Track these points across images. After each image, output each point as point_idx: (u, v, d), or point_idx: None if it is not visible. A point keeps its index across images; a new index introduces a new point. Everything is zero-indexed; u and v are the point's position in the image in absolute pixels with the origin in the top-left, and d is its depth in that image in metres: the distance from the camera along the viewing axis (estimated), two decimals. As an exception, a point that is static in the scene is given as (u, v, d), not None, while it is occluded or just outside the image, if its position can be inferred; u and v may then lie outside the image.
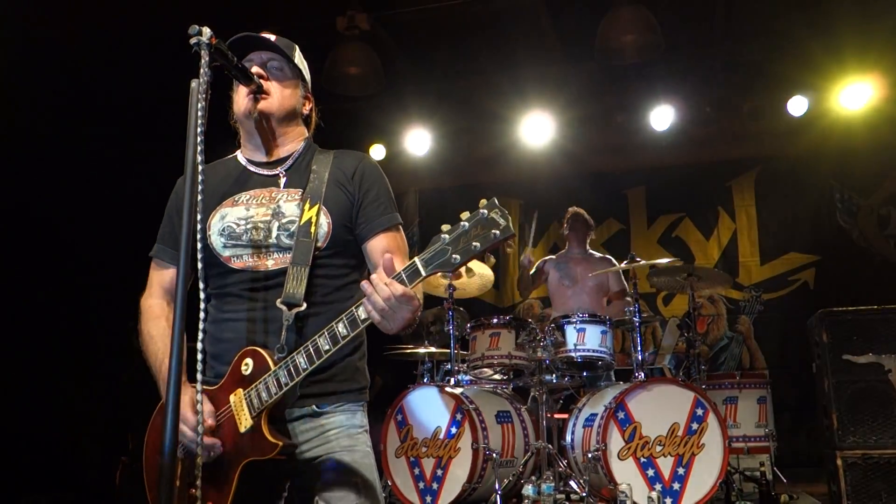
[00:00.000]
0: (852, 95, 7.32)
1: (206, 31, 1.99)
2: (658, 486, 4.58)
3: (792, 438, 7.21)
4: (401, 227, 2.20)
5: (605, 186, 8.79)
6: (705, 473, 4.64)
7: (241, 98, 2.21)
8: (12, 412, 5.55)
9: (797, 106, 7.55)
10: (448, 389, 5.13)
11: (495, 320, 5.35)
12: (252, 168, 2.24)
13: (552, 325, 5.29)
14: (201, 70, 1.96)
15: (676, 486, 4.63)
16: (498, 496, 4.84)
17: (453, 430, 4.95)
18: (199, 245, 1.88)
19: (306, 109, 2.36)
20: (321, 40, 6.88)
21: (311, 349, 1.86)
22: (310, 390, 2.05)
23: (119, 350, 6.28)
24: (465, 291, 6.13)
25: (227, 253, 2.13)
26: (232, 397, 1.96)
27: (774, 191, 8.45)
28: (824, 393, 5.06)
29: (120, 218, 6.19)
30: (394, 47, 7.37)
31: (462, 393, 5.09)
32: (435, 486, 4.93)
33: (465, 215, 1.72)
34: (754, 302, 8.30)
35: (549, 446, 5.10)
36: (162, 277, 2.28)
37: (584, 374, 5.45)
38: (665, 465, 4.66)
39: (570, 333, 5.22)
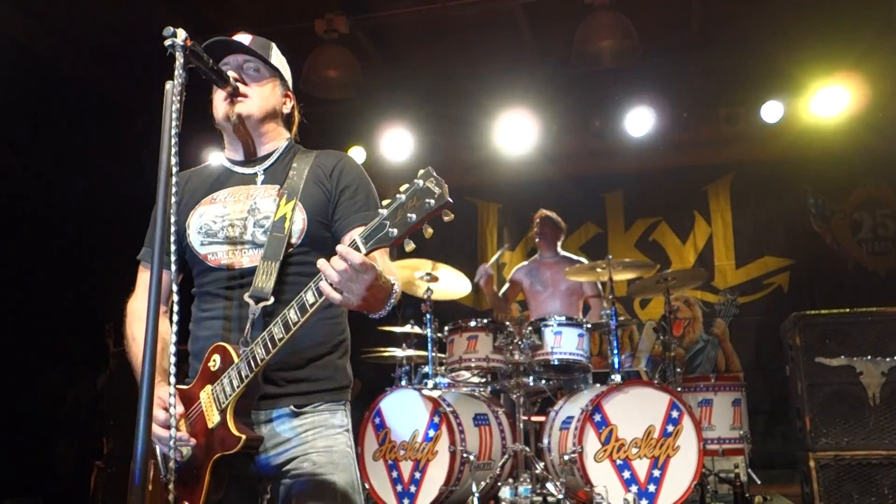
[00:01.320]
0: (825, 102, 7.40)
1: (181, 33, 1.99)
2: (634, 488, 4.61)
3: (766, 440, 7.29)
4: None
5: (583, 190, 8.85)
6: (680, 475, 4.67)
7: (219, 102, 2.22)
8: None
9: (772, 112, 7.62)
10: (426, 392, 5.14)
11: (473, 323, 5.37)
12: (232, 167, 2.25)
13: (529, 327, 5.31)
14: (176, 72, 1.96)
15: (652, 487, 4.66)
16: (475, 499, 4.85)
17: (431, 432, 4.96)
18: (173, 247, 1.88)
19: (287, 108, 2.36)
20: (299, 43, 6.86)
21: (267, 338, 1.85)
22: (287, 390, 2.03)
23: (95, 353, 6.25)
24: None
25: (204, 251, 2.13)
26: (202, 394, 1.95)
27: (750, 195, 8.55)
28: (797, 395, 5.11)
29: (98, 221, 6.16)
30: (373, 51, 7.37)
31: (440, 396, 5.10)
32: (413, 488, 4.93)
33: (402, 187, 1.69)
34: (730, 305, 8.39)
35: (527, 449, 5.12)
36: (148, 281, 2.23)
37: (562, 377, 5.48)
38: (641, 467, 4.69)
39: (548, 336, 5.24)
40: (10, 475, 5.80)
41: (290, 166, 2.17)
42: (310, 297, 1.78)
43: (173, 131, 1.92)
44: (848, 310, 5.03)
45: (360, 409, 6.15)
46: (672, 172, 8.60)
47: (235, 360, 1.90)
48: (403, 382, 5.70)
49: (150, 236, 2.26)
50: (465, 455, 4.86)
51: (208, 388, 1.94)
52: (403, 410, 5.10)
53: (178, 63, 1.97)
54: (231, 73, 2.19)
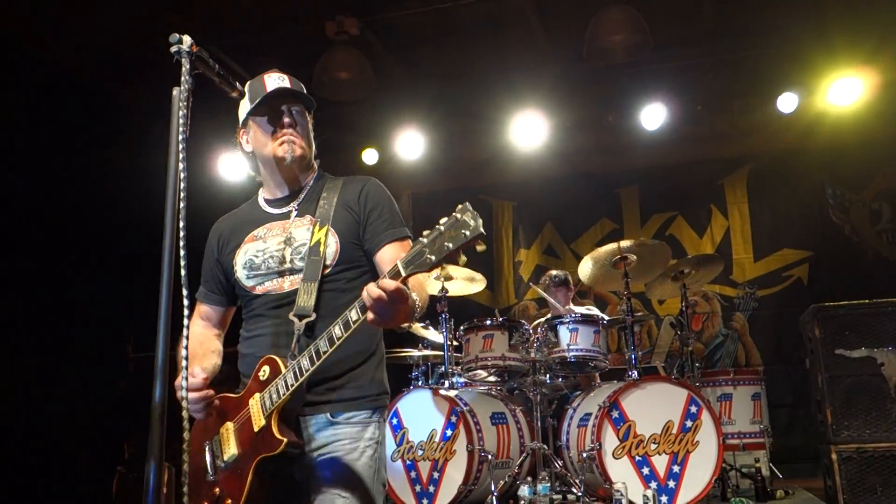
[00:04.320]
0: (842, 91, 7.32)
1: (187, 39, 2.01)
2: (653, 485, 4.59)
3: (788, 434, 7.22)
4: (408, 238, 2.33)
5: (598, 186, 8.81)
6: (700, 470, 4.64)
7: (265, 141, 2.36)
8: (7, 423, 5.54)
9: (787, 103, 7.56)
10: (442, 392, 5.14)
11: (489, 322, 5.36)
12: (268, 208, 2.43)
13: (545, 325, 5.30)
14: (182, 78, 1.97)
15: (672, 483, 4.64)
16: (494, 497, 4.84)
17: (448, 432, 4.96)
18: (182, 253, 1.91)
19: (314, 140, 2.50)
20: (310, 46, 6.90)
21: (313, 351, 2.02)
22: (325, 398, 2.19)
23: (114, 359, 6.30)
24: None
25: (250, 283, 2.34)
26: (250, 401, 2.12)
27: (766, 187, 8.47)
28: (818, 388, 5.07)
29: (114, 226, 6.21)
30: (384, 51, 7.37)
31: (457, 395, 5.10)
32: (431, 488, 4.93)
33: (442, 220, 1.85)
34: (749, 299, 8.32)
35: (545, 447, 5.11)
36: (201, 311, 2.52)
37: (578, 373, 5.46)
38: (660, 463, 4.66)
39: (563, 334, 5.23)
40: (32, 481, 5.86)
41: (320, 195, 2.35)
42: (353, 314, 1.96)
43: (180, 136, 1.93)
44: (868, 301, 4.99)
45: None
46: (687, 166, 8.55)
47: (283, 370, 2.08)
48: (420, 383, 5.70)
49: (204, 277, 2.52)
50: (483, 454, 4.85)
51: (256, 395, 2.11)
52: (421, 411, 5.10)
53: (184, 69, 1.98)
54: (287, 119, 2.34)
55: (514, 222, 9.16)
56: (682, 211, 8.68)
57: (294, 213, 2.35)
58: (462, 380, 5.61)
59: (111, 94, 6.48)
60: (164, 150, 1.97)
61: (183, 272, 1.92)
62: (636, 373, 5.05)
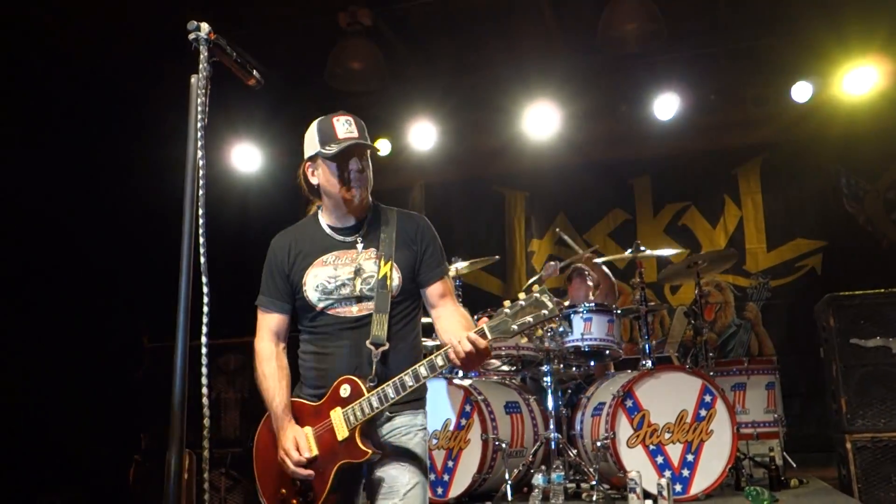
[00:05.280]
0: (856, 80, 7.27)
1: (205, 26, 2.02)
2: (667, 473, 4.59)
3: (802, 423, 7.20)
4: (447, 273, 2.74)
5: (611, 176, 8.79)
6: (714, 460, 4.65)
7: (336, 184, 2.60)
8: (26, 412, 5.60)
9: (801, 92, 7.51)
10: (456, 381, 5.15)
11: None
12: (334, 235, 2.69)
13: (559, 315, 5.29)
14: (200, 65, 1.98)
15: (686, 472, 4.64)
16: (508, 486, 4.86)
17: (463, 421, 4.97)
18: (202, 240, 1.93)
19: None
20: (323, 36, 6.91)
21: (398, 383, 2.39)
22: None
23: (131, 349, 6.35)
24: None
25: (321, 305, 2.61)
26: (332, 413, 2.44)
27: (780, 177, 8.43)
28: (832, 377, 5.06)
29: (130, 217, 6.25)
30: (396, 42, 7.37)
31: (471, 384, 5.11)
32: (446, 477, 4.95)
33: (521, 296, 2.27)
34: (762, 289, 8.29)
35: (559, 436, 5.12)
36: (269, 322, 2.73)
37: (592, 363, 5.47)
38: (674, 452, 4.67)
39: (577, 323, 5.23)
40: (51, 470, 5.92)
41: (379, 229, 2.66)
42: (439, 360, 2.36)
43: (199, 124, 1.95)
44: (883, 290, 4.96)
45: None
46: (701, 156, 8.51)
47: (365, 392, 2.42)
48: (434, 372, 5.70)
49: (266, 285, 2.74)
50: (497, 443, 4.87)
51: (338, 409, 2.44)
52: (435, 400, 5.03)
53: (202, 56, 2.00)
54: (356, 169, 2.60)
55: (526, 212, 9.16)
56: (695, 201, 8.65)
57: (360, 245, 2.65)
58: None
59: (127, 85, 6.49)
60: (180, 140, 1.98)
61: (203, 260, 1.94)
62: (650, 362, 5.05)
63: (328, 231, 2.70)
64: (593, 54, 7.13)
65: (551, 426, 5.14)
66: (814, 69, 7.50)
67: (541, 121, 7.88)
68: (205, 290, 1.98)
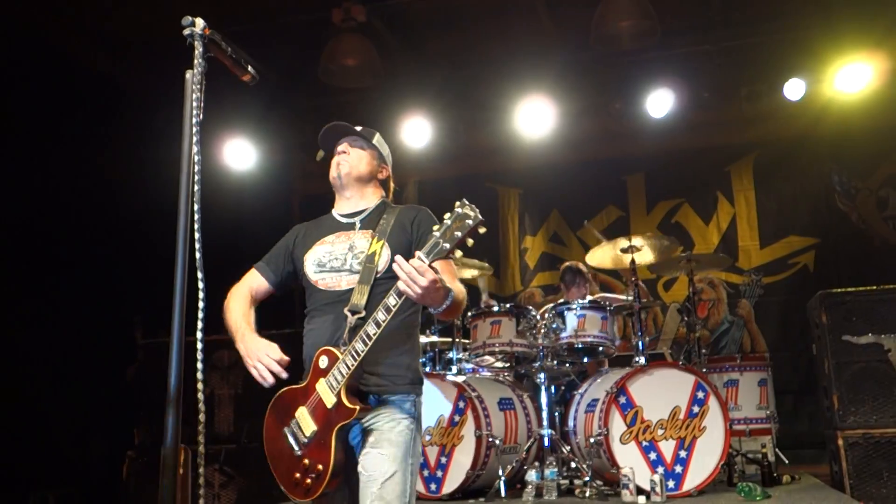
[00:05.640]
0: (849, 78, 7.28)
1: (200, 21, 2.01)
2: (660, 469, 4.61)
3: (794, 420, 7.25)
4: (446, 254, 2.64)
5: (604, 173, 8.81)
6: (707, 456, 4.67)
7: (332, 167, 2.87)
8: (18, 409, 5.58)
9: (794, 89, 7.52)
10: (450, 378, 5.16)
11: (496, 308, 5.38)
12: (339, 219, 2.89)
13: (553, 311, 5.31)
14: (195, 61, 1.98)
15: (679, 468, 4.66)
16: (502, 483, 4.88)
17: (456, 417, 4.98)
18: (198, 235, 1.93)
19: (382, 175, 2.96)
20: (317, 33, 6.90)
21: (363, 335, 2.46)
22: (371, 382, 2.60)
23: (124, 345, 6.33)
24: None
25: (315, 277, 2.78)
26: (317, 386, 2.53)
27: (773, 174, 8.46)
28: (825, 374, 5.08)
29: (123, 212, 6.23)
30: (391, 38, 7.36)
31: (465, 381, 5.12)
32: (439, 473, 4.96)
33: (446, 215, 2.32)
34: (754, 286, 8.32)
35: (552, 432, 5.14)
36: (251, 279, 2.94)
37: (585, 359, 5.48)
38: (667, 448, 4.69)
39: (571, 320, 5.24)
40: (44, 467, 5.91)
41: (381, 217, 2.81)
42: (391, 300, 2.42)
43: (194, 120, 1.94)
44: (875, 287, 5.00)
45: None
46: (694, 153, 8.54)
47: (340, 356, 2.49)
48: (428, 368, 5.72)
49: (270, 255, 2.96)
50: (490, 439, 4.88)
51: (321, 380, 2.53)
52: (429, 396, 5.10)
53: (197, 52, 2.00)
54: (340, 147, 2.87)
55: (520, 209, 9.17)
56: (689, 198, 8.67)
57: (358, 226, 2.83)
58: (470, 366, 5.63)
59: (120, 81, 6.48)
60: (174, 135, 1.98)
61: (198, 255, 1.94)
62: (643, 359, 5.07)
63: (336, 216, 2.92)
64: (587, 51, 7.14)
65: (545, 423, 5.16)
66: (807, 67, 7.51)
67: (535, 118, 7.88)
68: (200, 285, 1.98)
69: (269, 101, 7.69)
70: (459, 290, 2.59)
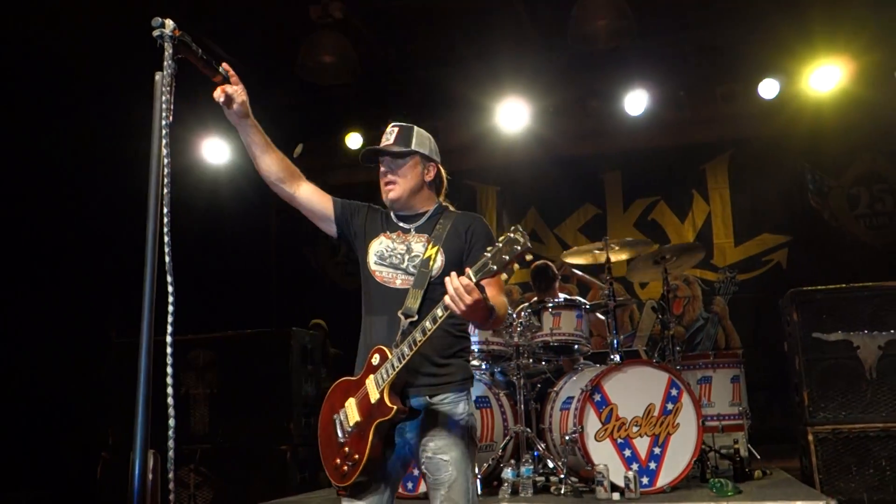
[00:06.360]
0: (822, 78, 7.39)
1: (169, 23, 2.00)
2: (635, 466, 4.65)
3: (768, 415, 7.34)
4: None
5: (581, 171, 8.87)
6: (680, 452, 4.71)
7: (380, 183, 2.94)
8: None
9: (768, 89, 7.62)
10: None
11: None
12: (396, 221, 2.98)
13: (528, 310, 5.33)
14: (165, 62, 1.97)
15: (653, 465, 4.70)
16: (478, 480, 4.89)
17: (432, 416, 4.98)
18: (167, 238, 1.92)
19: (430, 176, 2.98)
20: (294, 30, 6.87)
21: (411, 340, 2.57)
22: (423, 382, 2.73)
23: (97, 345, 6.29)
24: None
25: (374, 268, 2.89)
26: (367, 381, 2.68)
27: (747, 173, 8.56)
28: (796, 371, 5.15)
29: (96, 211, 6.18)
30: (369, 35, 7.35)
31: (440, 379, 5.12)
32: (415, 471, 4.96)
33: (500, 238, 2.45)
34: (729, 283, 8.41)
35: (528, 430, 5.16)
36: (316, 188, 3.02)
37: (561, 357, 5.51)
38: (641, 445, 4.73)
39: (546, 318, 5.27)
40: (18, 467, 5.86)
41: (437, 222, 2.91)
42: (439, 311, 2.51)
43: (164, 122, 1.94)
44: (844, 285, 5.06)
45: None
46: (670, 152, 8.61)
47: (390, 356, 2.63)
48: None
49: (345, 202, 3.03)
50: (466, 437, 4.88)
51: (371, 376, 2.67)
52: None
53: (166, 53, 1.98)
54: (382, 169, 2.92)
55: (498, 207, 9.21)
56: (665, 196, 8.75)
57: (413, 230, 2.93)
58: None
59: (92, 75, 6.41)
60: (147, 133, 1.97)
61: (167, 259, 1.93)
62: (618, 357, 5.11)
63: (393, 218, 3.01)
64: (564, 50, 7.17)
65: (521, 420, 5.18)
66: (781, 67, 7.60)
67: (512, 116, 7.91)
68: (170, 289, 1.97)
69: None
70: (502, 304, 2.71)
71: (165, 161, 1.90)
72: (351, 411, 2.71)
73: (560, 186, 8.84)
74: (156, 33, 1.98)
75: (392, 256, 2.90)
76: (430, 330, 2.53)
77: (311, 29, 6.78)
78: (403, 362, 2.59)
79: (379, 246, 2.94)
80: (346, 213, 3.01)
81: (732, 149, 8.59)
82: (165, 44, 1.98)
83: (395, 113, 7.99)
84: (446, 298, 2.47)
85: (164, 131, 1.92)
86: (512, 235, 2.43)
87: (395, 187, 2.90)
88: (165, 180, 1.89)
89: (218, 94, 2.75)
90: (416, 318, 2.70)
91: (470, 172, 9.11)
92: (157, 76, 1.96)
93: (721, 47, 7.70)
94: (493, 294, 2.62)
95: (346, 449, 2.67)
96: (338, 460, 2.69)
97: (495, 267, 2.42)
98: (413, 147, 2.93)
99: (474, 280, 2.44)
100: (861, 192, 8.29)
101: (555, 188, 8.85)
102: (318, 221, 3.02)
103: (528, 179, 8.88)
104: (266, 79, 7.70)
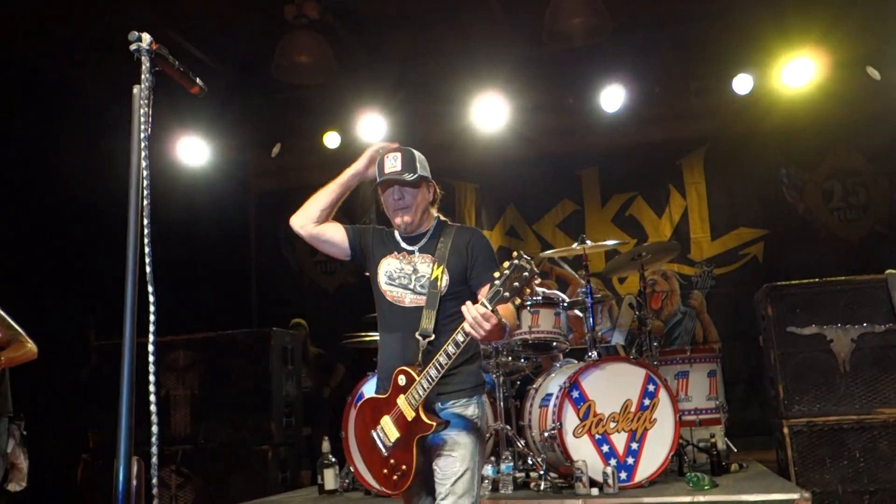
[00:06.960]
0: (795, 72, 7.45)
1: (146, 36, 2.01)
2: (613, 462, 4.71)
3: (745, 408, 7.44)
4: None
5: (559, 168, 8.91)
6: (658, 447, 4.79)
7: (389, 210, 3.11)
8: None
9: (742, 84, 7.69)
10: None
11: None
12: (400, 241, 3.17)
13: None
14: (142, 76, 1.98)
15: (630, 460, 4.77)
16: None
17: (413, 414, 5.01)
18: (147, 249, 1.93)
19: (431, 197, 3.18)
20: (269, 29, 6.85)
21: (436, 363, 2.81)
22: (440, 389, 2.91)
23: (77, 347, 6.26)
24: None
25: (385, 288, 3.11)
26: (398, 401, 2.92)
27: (723, 167, 8.64)
28: (771, 364, 5.24)
29: (76, 213, 6.15)
30: (345, 34, 7.35)
31: (421, 378, 5.15)
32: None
33: (505, 264, 2.65)
34: (706, 277, 8.51)
35: (507, 427, 5.21)
36: (333, 224, 3.24)
37: (539, 355, 5.56)
38: (619, 440, 4.79)
39: (525, 316, 5.31)
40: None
41: (438, 240, 3.10)
42: (459, 337, 2.74)
43: (142, 135, 1.95)
44: (818, 280, 5.15)
45: (343, 394, 6.21)
46: (646, 147, 8.67)
47: (416, 378, 2.87)
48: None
49: (352, 226, 3.26)
50: (447, 435, 4.92)
51: (402, 396, 2.91)
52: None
53: (144, 67, 1.99)
54: (396, 195, 3.06)
55: (476, 204, 9.24)
56: (642, 191, 8.82)
57: (417, 251, 3.12)
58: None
59: (72, 78, 6.38)
60: (126, 136, 1.98)
61: (148, 269, 1.94)
62: (596, 353, 5.17)
63: (398, 239, 3.19)
64: (541, 47, 7.20)
65: (501, 418, 5.23)
66: (754, 62, 7.67)
67: (489, 113, 7.93)
68: (151, 298, 1.99)
69: (222, 99, 7.62)
70: (511, 316, 2.86)
71: (145, 174, 1.92)
72: (389, 429, 2.96)
73: (538, 183, 8.88)
74: (133, 47, 1.99)
75: (401, 277, 3.11)
76: (454, 354, 2.77)
77: (286, 29, 6.76)
78: (433, 383, 2.85)
79: (388, 266, 3.15)
80: (357, 237, 3.21)
81: (708, 144, 8.67)
82: (143, 57, 2.00)
83: (372, 111, 8.05)
84: (466, 325, 2.68)
85: (143, 143, 1.94)
86: (517, 262, 2.63)
87: (410, 213, 3.07)
88: (146, 192, 1.90)
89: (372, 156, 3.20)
90: (433, 336, 2.95)
91: (448, 170, 9.10)
92: (135, 89, 1.97)
93: (695, 43, 7.76)
94: (502, 310, 2.76)
95: (392, 461, 2.93)
96: (385, 471, 2.96)
97: (508, 294, 2.62)
98: (419, 172, 3.10)
99: (489, 308, 2.63)
100: (835, 186, 8.41)
101: (533, 185, 8.89)
102: (331, 248, 3.23)
103: (505, 176, 8.91)
104: (242, 79, 7.69)
